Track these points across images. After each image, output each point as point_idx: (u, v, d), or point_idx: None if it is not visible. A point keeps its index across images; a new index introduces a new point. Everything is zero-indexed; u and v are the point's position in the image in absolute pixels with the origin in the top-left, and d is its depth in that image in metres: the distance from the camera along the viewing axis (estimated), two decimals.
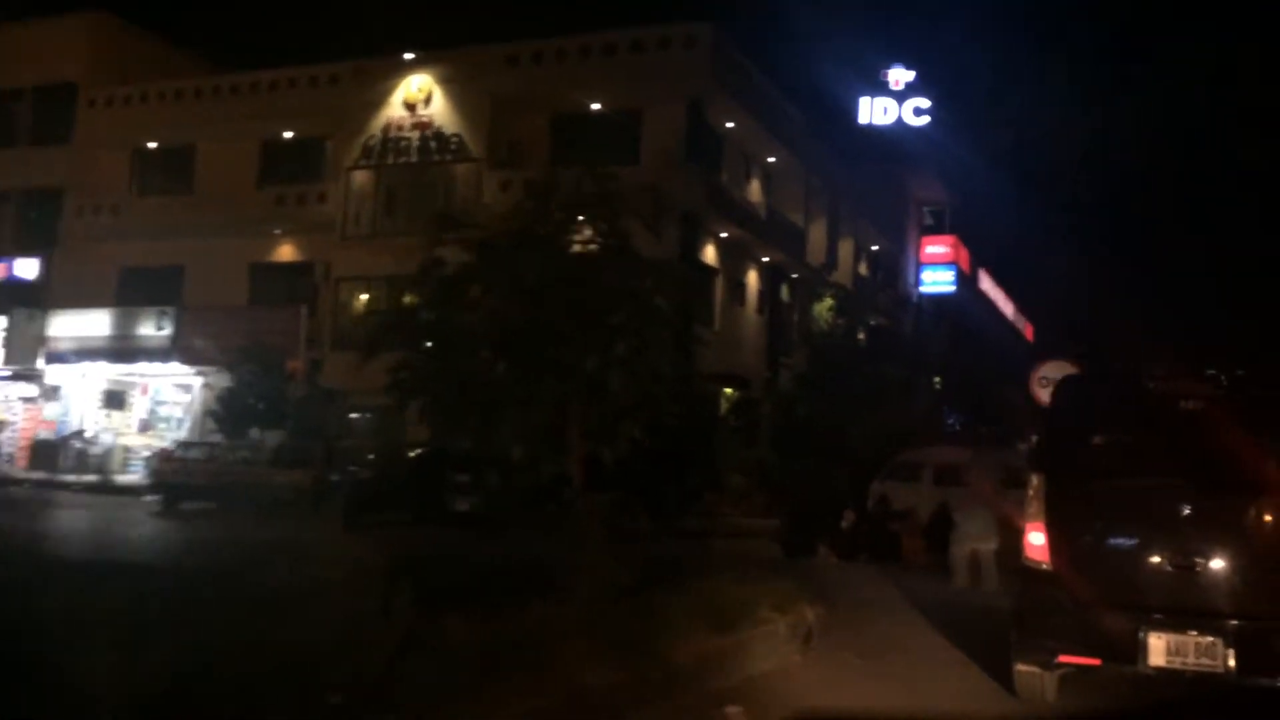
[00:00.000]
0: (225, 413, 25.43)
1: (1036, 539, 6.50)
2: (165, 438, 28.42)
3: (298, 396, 26.02)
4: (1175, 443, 6.63)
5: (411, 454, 21.47)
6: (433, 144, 28.86)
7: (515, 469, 13.22)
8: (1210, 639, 5.98)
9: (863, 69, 40.48)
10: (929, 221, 46.82)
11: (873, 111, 40.28)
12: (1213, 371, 7.84)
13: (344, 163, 29.80)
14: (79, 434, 29.63)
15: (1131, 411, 6.96)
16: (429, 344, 8.11)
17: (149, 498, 22.67)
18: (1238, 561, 6.13)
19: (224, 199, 31.12)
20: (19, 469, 29.20)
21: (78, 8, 33.94)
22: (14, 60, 33.51)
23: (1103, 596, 6.28)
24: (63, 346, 29.96)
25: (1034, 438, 28.85)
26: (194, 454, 23.21)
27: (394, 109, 29.43)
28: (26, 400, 30.95)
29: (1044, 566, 6.46)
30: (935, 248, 45.29)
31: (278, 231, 31.13)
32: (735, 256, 30.66)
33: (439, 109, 28.84)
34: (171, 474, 22.54)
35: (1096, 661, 6.31)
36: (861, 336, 33.95)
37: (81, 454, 28.70)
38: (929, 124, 40.34)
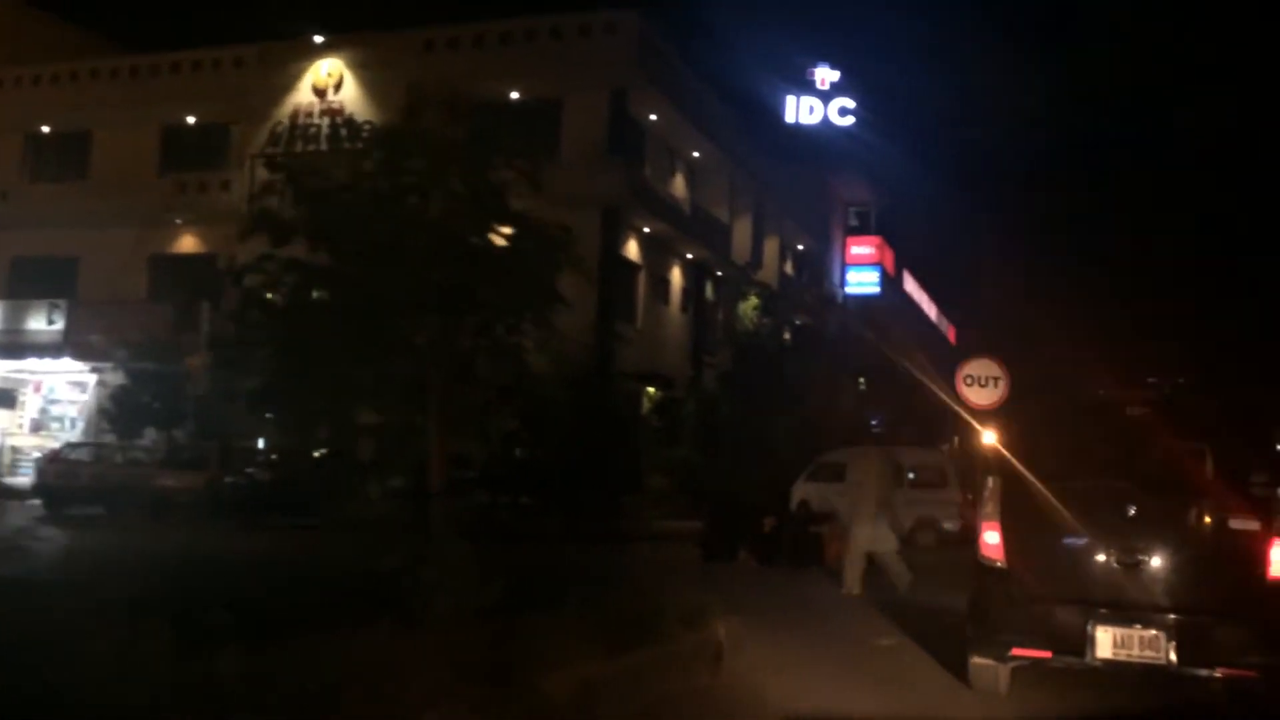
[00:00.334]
0: (119, 412, 24.02)
1: (991, 538, 6.82)
2: (59, 438, 26.84)
3: (197, 395, 24.67)
4: (1121, 447, 6.99)
5: (316, 454, 20.45)
6: (343, 131, 27.53)
7: (368, 469, 12.13)
8: (1153, 632, 6.29)
9: (790, 67, 40.27)
10: (854, 222, 46.75)
11: (799, 110, 40.06)
12: (1153, 380, 8.11)
13: (249, 150, 28.41)
14: None
15: (1081, 417, 7.39)
16: (281, 329, 7.07)
17: (34, 501, 21.23)
18: (1178, 559, 6.45)
19: (122, 187, 29.60)
20: None
21: None
22: None
23: (1054, 592, 6.59)
24: None
25: (955, 438, 28.68)
26: (82, 455, 21.84)
27: (302, 94, 28.23)
28: None
29: (998, 564, 6.77)
30: (860, 248, 45.26)
31: (179, 221, 29.70)
32: (658, 252, 29.96)
33: (350, 95, 27.66)
34: (57, 477, 21.10)
35: (1048, 654, 6.54)
36: (787, 336, 33.61)
37: None
38: (854, 124, 40.25)
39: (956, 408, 21.27)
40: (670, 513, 23.28)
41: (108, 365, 25.69)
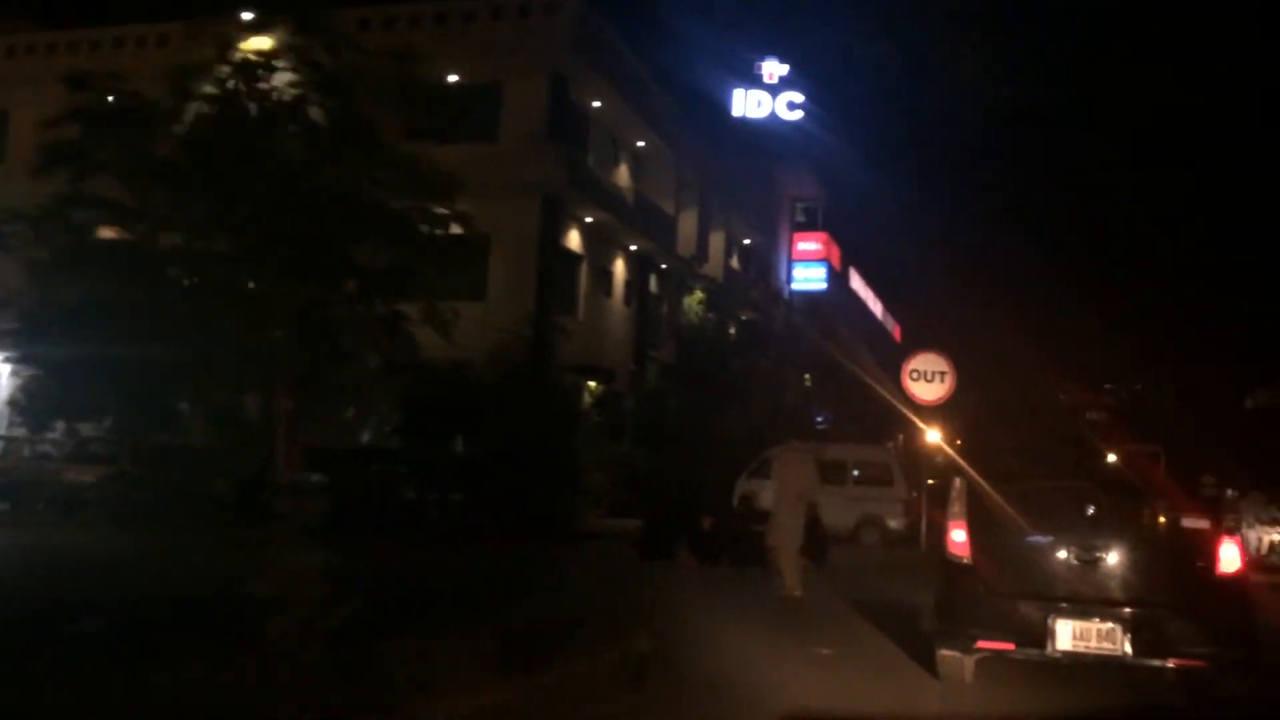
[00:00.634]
0: (28, 403, 22.74)
1: (958, 536, 7.08)
2: None
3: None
4: (1081, 449, 8.07)
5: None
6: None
7: (199, 459, 11.05)
8: (1110, 625, 6.57)
9: (738, 60, 39.71)
10: (801, 218, 46.35)
11: (746, 104, 39.51)
12: (1110, 386, 8.66)
13: (175, 129, 27.12)
14: None
15: (1043, 421, 7.50)
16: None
17: None
18: (1134, 556, 6.77)
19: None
20: None
21: None
22: None
23: (1017, 588, 6.86)
24: None
25: (900, 436, 28.37)
26: None
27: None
28: None
29: (964, 561, 7.03)
30: (807, 244, 44.84)
31: None
32: (601, 243, 29.18)
33: (280, 75, 26.47)
34: None
35: (1011, 646, 6.81)
36: (732, 332, 33.08)
37: None
38: (803, 119, 39.80)
39: (900, 407, 20.98)
40: (611, 510, 22.62)
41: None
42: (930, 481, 20.21)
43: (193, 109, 6.31)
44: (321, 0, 26.31)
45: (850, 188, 46.99)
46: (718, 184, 36.28)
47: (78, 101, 6.64)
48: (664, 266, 32.97)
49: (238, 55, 6.84)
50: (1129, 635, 6.53)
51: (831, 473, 20.85)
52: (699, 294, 32.97)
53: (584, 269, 28.38)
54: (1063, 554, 6.81)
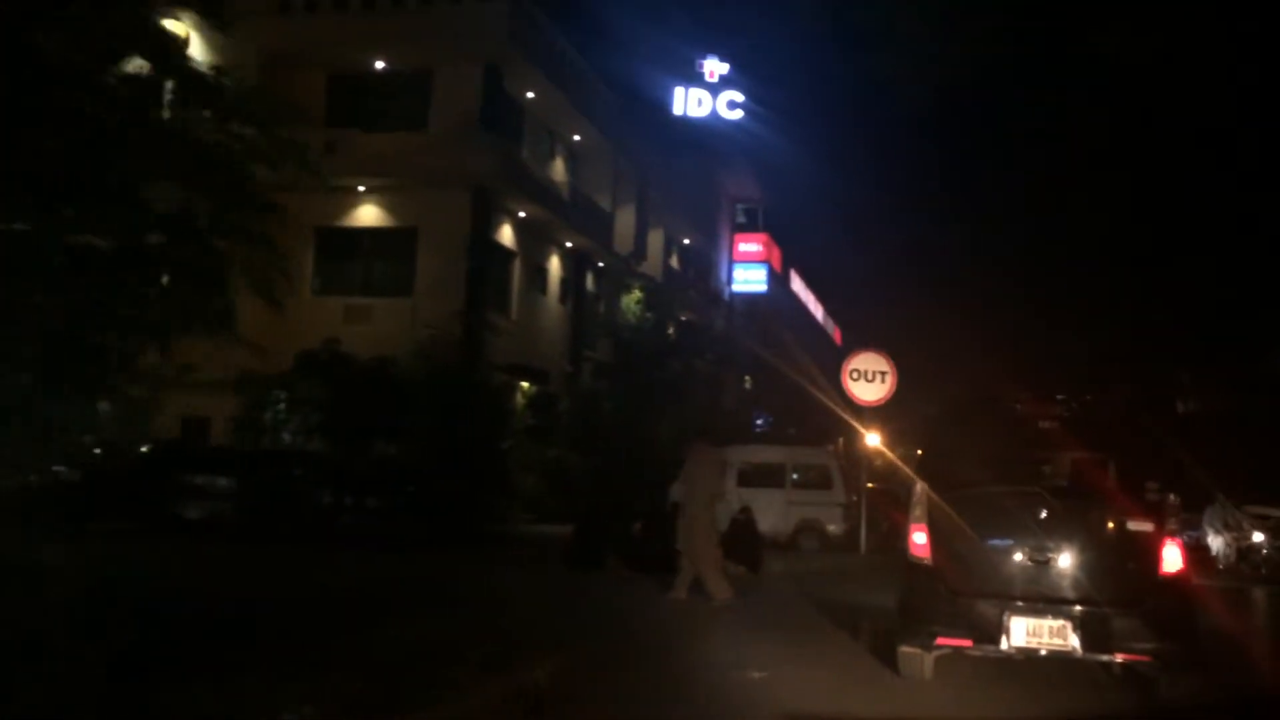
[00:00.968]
0: None
1: (919, 538, 7.42)
2: None
3: None
4: (1034, 456, 8.12)
5: (142, 450, 18.33)
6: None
7: None
8: (1061, 622, 6.92)
9: (679, 57, 39.04)
10: (742, 219, 45.92)
11: (687, 102, 38.90)
12: (1062, 396, 8.76)
13: None
14: None
15: (999, 429, 8.24)
16: None
17: None
18: (1083, 557, 7.08)
19: None
20: None
21: None
22: None
23: (974, 587, 7.19)
24: None
25: (840, 439, 27.62)
26: None
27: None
28: None
29: (925, 562, 7.37)
30: (748, 245, 44.40)
31: None
32: (535, 239, 28.26)
33: (197, 57, 25.20)
34: None
35: (969, 643, 7.11)
36: (670, 332, 32.35)
37: None
38: (744, 119, 39.26)
39: (839, 411, 20.39)
40: (542, 516, 21.71)
41: None
42: (870, 485, 19.63)
43: None
44: None
45: (792, 189, 46.70)
46: (657, 182, 35.56)
47: None
48: (601, 265, 32.14)
49: None
50: (1078, 631, 6.85)
51: (769, 475, 20.24)
52: (637, 293, 32.11)
53: (517, 265, 27.45)
54: (1017, 556, 7.14)
